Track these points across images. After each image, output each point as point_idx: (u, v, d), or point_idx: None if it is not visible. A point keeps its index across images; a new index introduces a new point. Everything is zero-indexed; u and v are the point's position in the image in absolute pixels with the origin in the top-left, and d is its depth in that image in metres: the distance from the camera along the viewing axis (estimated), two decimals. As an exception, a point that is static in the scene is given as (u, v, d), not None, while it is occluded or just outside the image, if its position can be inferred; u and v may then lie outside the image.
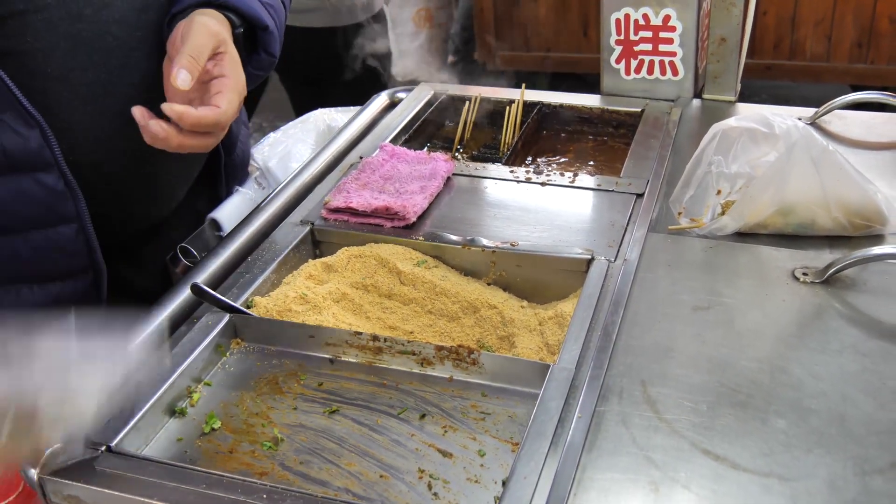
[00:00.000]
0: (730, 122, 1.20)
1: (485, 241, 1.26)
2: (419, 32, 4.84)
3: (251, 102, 3.54)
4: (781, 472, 0.87)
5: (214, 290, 1.20)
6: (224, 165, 1.46)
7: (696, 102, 1.68)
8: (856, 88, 4.13)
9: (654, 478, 0.87)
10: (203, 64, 1.07)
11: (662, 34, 1.62)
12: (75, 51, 1.12)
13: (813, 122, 1.58)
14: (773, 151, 1.22)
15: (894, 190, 1.34)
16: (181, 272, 1.34)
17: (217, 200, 1.52)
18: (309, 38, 2.51)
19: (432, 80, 1.84)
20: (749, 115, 1.19)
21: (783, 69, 4.11)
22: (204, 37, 1.08)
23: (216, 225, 1.50)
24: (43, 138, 1.10)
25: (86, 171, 1.16)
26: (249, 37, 1.20)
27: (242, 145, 1.55)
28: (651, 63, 1.66)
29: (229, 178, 1.48)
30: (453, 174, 1.46)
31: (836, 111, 1.59)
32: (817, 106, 1.58)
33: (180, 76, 1.04)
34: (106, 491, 0.90)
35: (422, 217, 1.34)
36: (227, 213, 1.53)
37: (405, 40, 4.70)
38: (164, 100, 1.07)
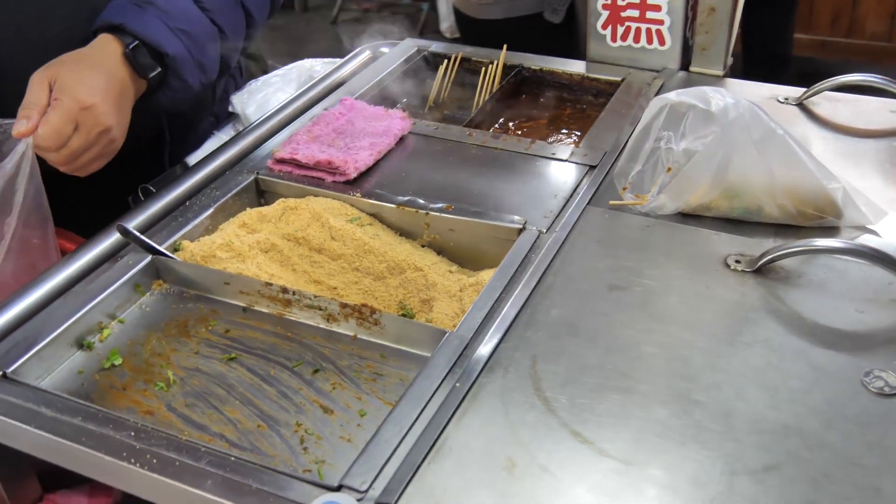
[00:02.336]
0: (671, 95, 1.15)
1: (420, 202, 1.25)
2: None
3: None
4: (645, 463, 0.85)
5: (148, 230, 1.22)
6: (175, 126, 1.48)
7: (681, 75, 1.62)
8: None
9: (514, 455, 0.86)
10: (39, 114, 1.14)
11: (651, 0, 1.56)
12: None
13: (800, 103, 1.51)
14: (715, 126, 1.16)
15: (866, 180, 1.28)
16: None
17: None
18: None
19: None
20: (691, 90, 1.15)
21: (838, 47, 3.93)
22: (37, 88, 1.15)
23: (187, 168, 1.52)
24: None
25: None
26: (160, 63, 1.25)
27: (218, 107, 1.58)
28: (638, 31, 1.60)
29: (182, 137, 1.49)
30: (411, 133, 1.44)
31: (828, 93, 1.52)
32: (870, 94, 1.50)
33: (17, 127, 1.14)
34: (-17, 414, 0.93)
35: (366, 174, 1.33)
36: (199, 158, 1.54)
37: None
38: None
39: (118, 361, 1.04)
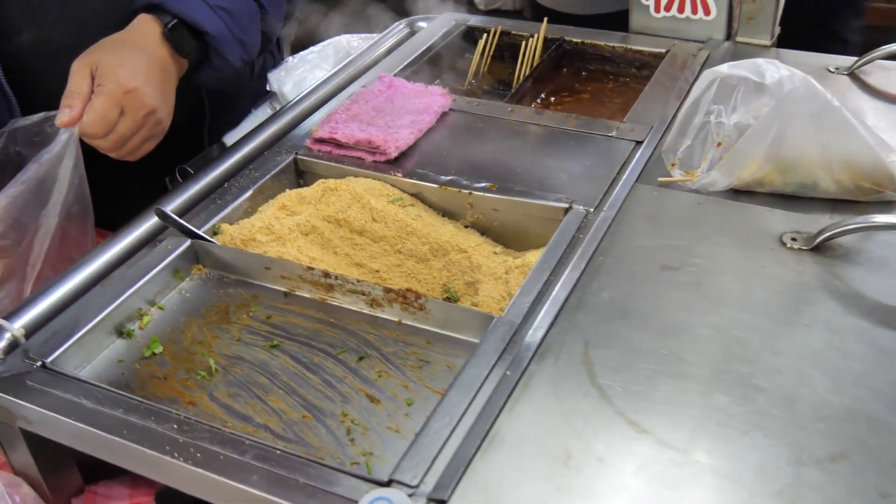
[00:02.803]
0: (722, 68, 1.08)
1: (464, 182, 1.20)
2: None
3: None
4: (707, 453, 0.80)
5: (186, 213, 1.18)
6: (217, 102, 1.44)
7: (727, 45, 1.54)
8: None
9: (570, 446, 0.81)
10: (82, 102, 1.11)
11: (695, -31, 1.49)
12: None
13: (851, 73, 1.43)
14: (770, 99, 1.10)
15: (926, 152, 1.20)
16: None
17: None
18: None
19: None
20: (744, 62, 1.08)
21: (882, 13, 3.76)
22: (78, 76, 1.13)
23: (224, 148, 1.48)
24: None
25: (28, 81, 1.20)
26: (201, 42, 1.22)
27: (255, 84, 1.55)
28: (682, 0, 1.53)
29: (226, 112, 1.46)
30: (452, 110, 1.38)
31: (880, 62, 1.43)
32: None
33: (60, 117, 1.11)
34: (30, 406, 0.90)
35: (407, 153, 1.27)
36: (237, 135, 1.50)
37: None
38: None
39: (159, 349, 1.00)
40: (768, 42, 1.53)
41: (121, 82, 1.11)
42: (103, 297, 1.03)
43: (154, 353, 1.00)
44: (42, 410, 0.89)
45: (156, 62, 1.17)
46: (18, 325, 0.99)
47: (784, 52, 1.52)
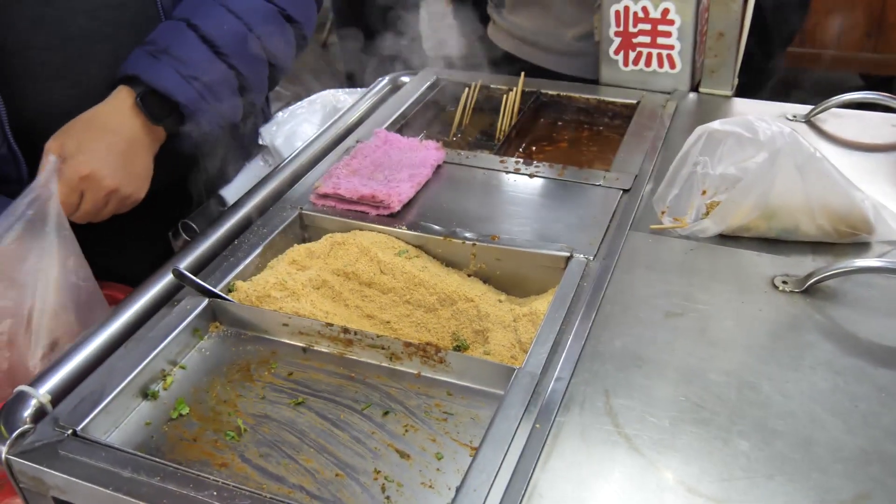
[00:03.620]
0: (714, 125, 1.07)
1: (467, 234, 1.16)
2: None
3: None
4: (739, 501, 0.77)
5: (200, 271, 1.12)
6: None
7: (692, 96, 1.54)
8: (864, 78, 3.90)
9: (608, 497, 0.77)
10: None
11: (661, 27, 1.48)
12: (36, 31, 1.11)
13: (808, 120, 1.44)
14: (760, 154, 1.09)
15: (885, 195, 1.21)
16: (181, 247, 1.26)
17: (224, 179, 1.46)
18: None
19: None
20: (735, 119, 1.07)
21: (792, 56, 3.88)
22: (45, 158, 1.11)
23: (222, 201, 1.43)
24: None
25: (35, 140, 1.14)
26: (174, 107, 1.19)
27: (247, 141, 1.49)
28: (649, 55, 1.52)
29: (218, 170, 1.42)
30: (444, 162, 1.35)
31: (833, 109, 1.45)
32: (826, 94, 1.44)
33: None
34: (64, 476, 0.83)
35: (408, 205, 1.23)
36: (234, 189, 1.45)
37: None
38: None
39: (185, 411, 0.94)
40: (729, 92, 1.53)
41: (76, 169, 1.10)
42: (127, 360, 0.96)
43: (181, 415, 0.93)
44: (78, 481, 0.81)
45: (120, 140, 1.14)
46: (44, 391, 0.91)
47: (743, 101, 1.53)
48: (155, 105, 1.17)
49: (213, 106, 1.22)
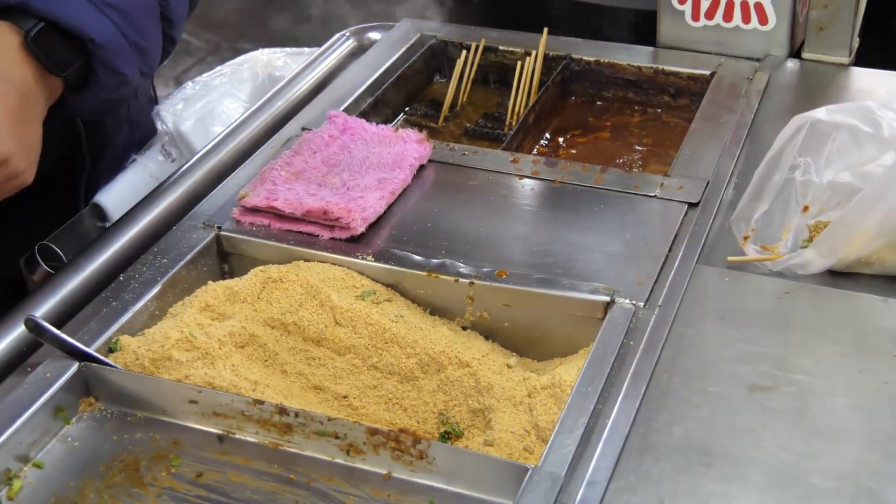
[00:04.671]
0: (819, 113, 1.10)
1: (461, 268, 1.18)
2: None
3: None
4: None
5: (67, 321, 1.14)
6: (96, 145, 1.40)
7: (791, 64, 1.58)
8: None
9: None
10: None
11: (748, -36, 1.52)
12: None
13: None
14: (888, 154, 1.11)
15: None
16: (39, 281, 1.28)
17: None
18: None
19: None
20: (849, 105, 1.09)
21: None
22: None
23: (100, 213, 1.44)
24: None
25: None
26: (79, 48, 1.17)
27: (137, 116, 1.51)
28: (730, 4, 1.56)
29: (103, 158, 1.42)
30: (430, 161, 1.37)
31: None
32: None
33: None
34: None
35: (375, 225, 1.26)
36: (117, 196, 1.47)
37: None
38: None
39: (43, 529, 0.95)
40: (846, 59, 1.57)
41: None
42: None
43: (36, 537, 0.94)
44: None
45: (12, 91, 1.13)
46: None
47: (868, 72, 1.56)
48: (54, 45, 1.15)
49: (135, 43, 1.22)
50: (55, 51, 1.15)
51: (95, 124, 1.39)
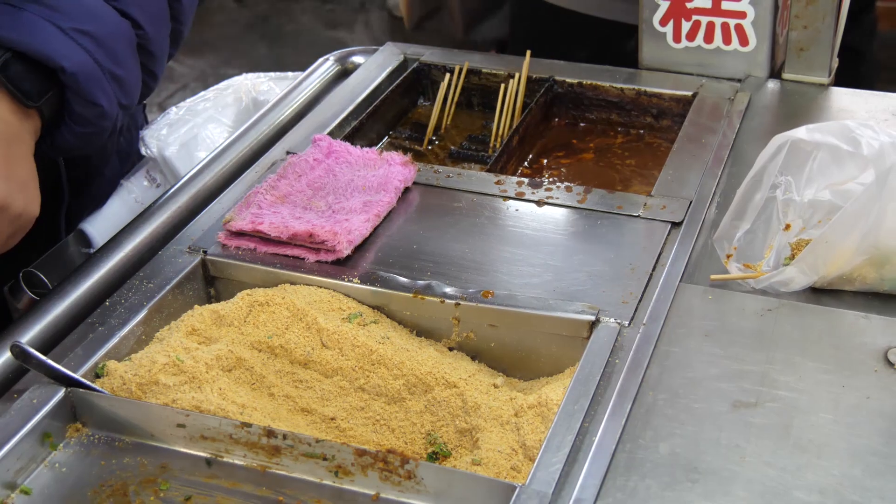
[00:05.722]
0: (800, 132, 1.12)
1: (447, 289, 1.19)
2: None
3: None
4: None
5: (53, 347, 1.15)
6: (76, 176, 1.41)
7: (771, 84, 1.60)
8: None
9: None
10: None
11: (728, -13, 1.54)
12: None
13: (939, 121, 1.49)
14: (867, 172, 1.13)
15: None
16: (24, 308, 1.28)
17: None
18: None
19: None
20: (829, 124, 1.11)
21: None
22: None
23: (85, 239, 1.45)
24: None
25: None
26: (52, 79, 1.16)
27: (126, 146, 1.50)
28: (710, 26, 1.58)
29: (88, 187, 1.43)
30: (415, 183, 1.39)
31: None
32: None
33: None
34: None
35: (361, 248, 1.27)
36: (101, 222, 1.48)
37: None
38: None
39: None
40: (825, 80, 1.59)
41: None
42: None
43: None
44: None
45: None
46: None
47: (847, 92, 1.58)
48: (24, 76, 1.13)
49: (111, 72, 1.20)
50: (25, 81, 1.13)
51: (78, 158, 1.39)
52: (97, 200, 1.50)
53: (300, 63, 1.74)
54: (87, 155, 1.41)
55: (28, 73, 1.14)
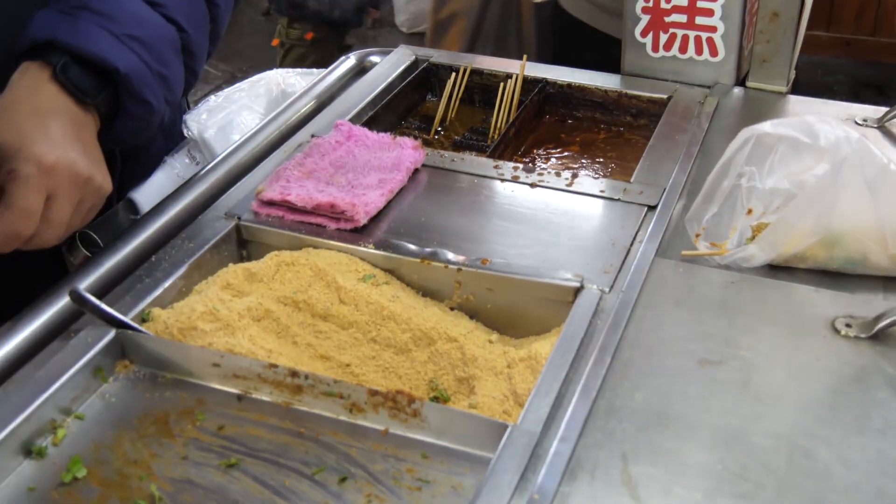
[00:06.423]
0: (765, 126, 1.12)
1: (450, 256, 1.19)
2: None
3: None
4: None
5: (105, 294, 1.14)
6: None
7: (737, 91, 1.60)
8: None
9: (623, 589, 0.80)
10: None
11: (701, 3, 1.53)
12: None
13: (881, 126, 1.49)
14: (821, 165, 1.13)
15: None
16: (79, 265, 1.28)
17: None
18: None
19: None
20: (790, 120, 1.11)
21: (864, 46, 3.99)
22: None
23: (133, 207, 1.44)
24: None
25: None
26: (106, 79, 1.14)
27: (170, 126, 1.50)
28: (685, 39, 1.58)
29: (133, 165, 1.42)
30: (424, 165, 1.38)
31: (912, 113, 1.50)
32: None
33: None
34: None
35: (377, 218, 1.26)
36: (149, 192, 1.47)
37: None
38: None
39: (82, 473, 0.95)
40: (784, 88, 1.59)
41: (37, 159, 1.03)
42: (6, 406, 0.97)
43: (76, 478, 0.94)
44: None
45: (66, 119, 1.09)
46: None
47: (801, 99, 1.58)
48: (81, 76, 1.11)
49: (158, 73, 1.18)
50: (83, 81, 1.11)
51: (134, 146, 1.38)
52: (144, 173, 1.49)
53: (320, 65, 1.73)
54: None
55: (85, 74, 1.12)
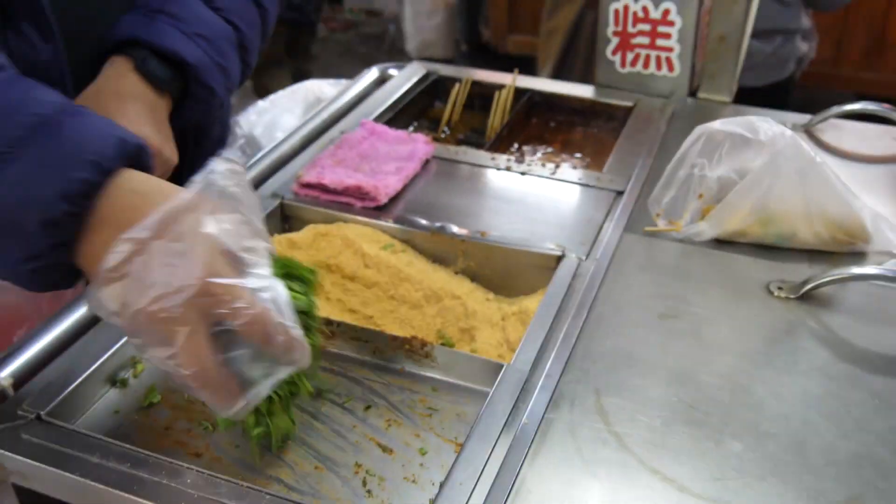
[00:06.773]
0: (715, 124, 1.12)
1: (455, 230, 1.19)
2: (436, 11, 4.75)
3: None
4: (731, 501, 0.80)
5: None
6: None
7: (690, 101, 1.59)
8: (861, 97, 4.02)
9: (596, 494, 0.81)
10: None
11: (661, 28, 1.53)
12: None
13: (808, 130, 1.49)
14: (760, 158, 1.13)
15: (883, 206, 1.26)
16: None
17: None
18: None
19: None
20: (736, 119, 1.11)
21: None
22: None
23: (194, 188, 1.44)
24: (55, 53, 1.05)
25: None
26: (178, 70, 1.15)
27: (224, 117, 1.49)
28: (647, 57, 1.57)
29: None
30: (433, 157, 1.38)
31: (832, 120, 1.50)
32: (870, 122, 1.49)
33: None
34: (26, 461, 0.84)
35: (395, 199, 1.26)
36: (206, 178, 1.46)
37: (422, 18, 4.60)
38: None
39: (157, 399, 0.95)
40: (728, 99, 1.59)
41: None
42: (95, 345, 0.98)
43: (152, 403, 0.95)
44: (42, 465, 0.83)
45: (143, 104, 1.10)
46: (5, 375, 0.92)
47: (742, 108, 1.58)
48: (158, 68, 1.12)
49: (219, 64, 1.19)
50: (159, 71, 1.13)
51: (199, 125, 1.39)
52: (207, 155, 1.48)
53: (349, 74, 1.73)
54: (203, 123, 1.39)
55: (161, 66, 1.13)
